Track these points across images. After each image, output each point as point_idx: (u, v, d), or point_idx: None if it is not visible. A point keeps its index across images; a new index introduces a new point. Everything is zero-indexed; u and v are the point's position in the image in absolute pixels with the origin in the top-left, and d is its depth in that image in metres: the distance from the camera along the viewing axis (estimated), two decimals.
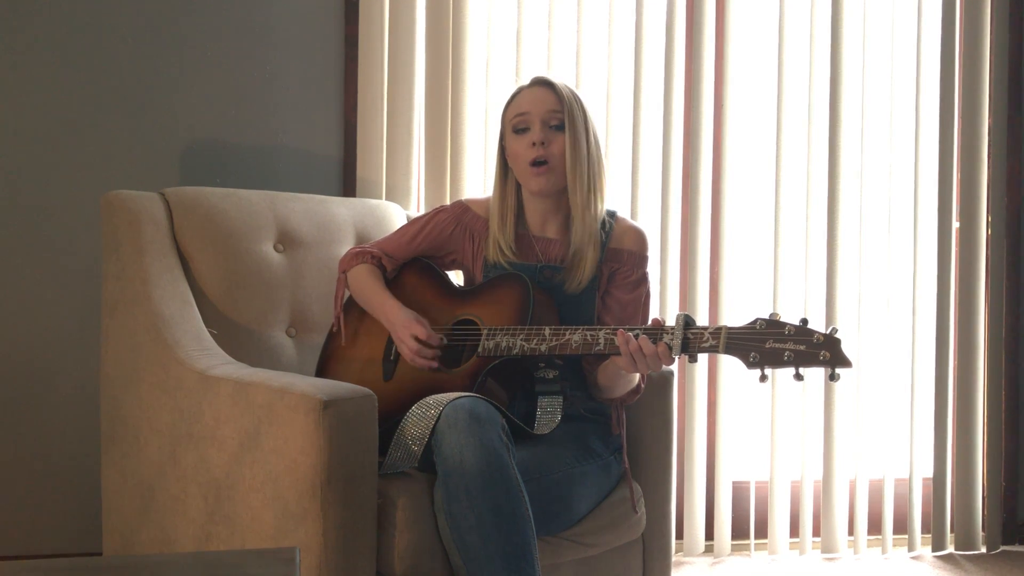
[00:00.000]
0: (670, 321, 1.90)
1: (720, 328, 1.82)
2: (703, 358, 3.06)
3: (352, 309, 2.31)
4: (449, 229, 2.29)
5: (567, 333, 1.99)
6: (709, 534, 3.09)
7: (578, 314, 2.16)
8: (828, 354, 1.73)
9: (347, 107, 2.88)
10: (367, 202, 2.72)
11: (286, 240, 2.50)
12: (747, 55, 3.08)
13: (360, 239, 2.59)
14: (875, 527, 3.17)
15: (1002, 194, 3.20)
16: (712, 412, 3.09)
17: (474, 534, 1.83)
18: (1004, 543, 3.22)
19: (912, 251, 3.14)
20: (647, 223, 2.95)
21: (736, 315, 3.03)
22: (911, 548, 3.14)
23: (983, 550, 3.18)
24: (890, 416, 3.13)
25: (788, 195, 3.08)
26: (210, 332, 2.28)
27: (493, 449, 1.85)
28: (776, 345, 1.77)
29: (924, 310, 3.14)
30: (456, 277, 2.40)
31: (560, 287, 2.18)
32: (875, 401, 3.11)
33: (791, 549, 3.12)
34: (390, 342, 2.20)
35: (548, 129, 2.15)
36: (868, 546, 3.14)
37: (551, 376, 2.09)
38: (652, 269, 2.29)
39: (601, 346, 1.95)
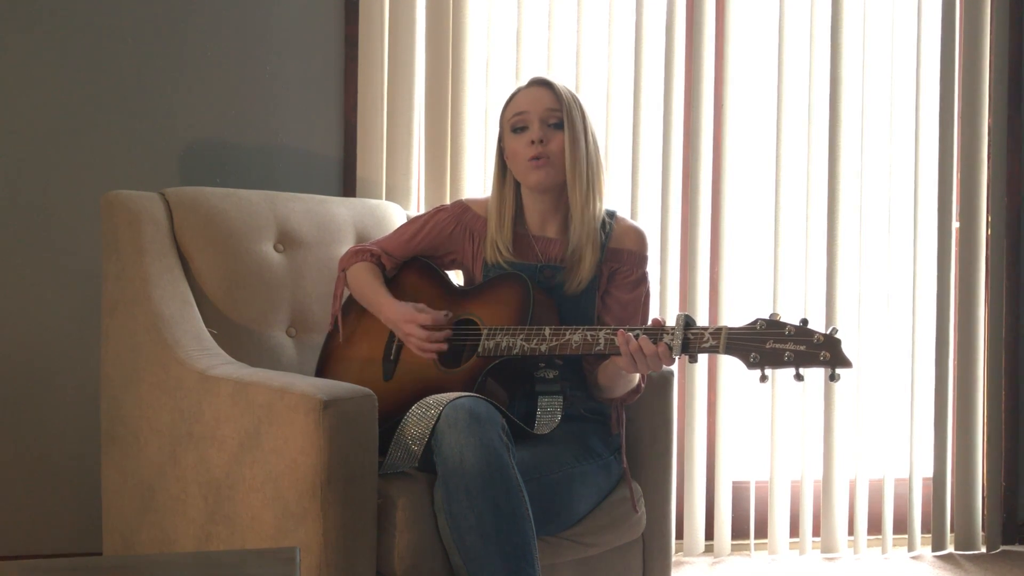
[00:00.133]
0: (670, 321, 1.90)
1: (720, 328, 1.82)
2: (703, 358, 3.06)
3: (352, 309, 2.31)
4: (449, 229, 2.29)
5: (567, 333, 1.99)
6: (709, 534, 3.09)
7: (578, 314, 2.16)
8: (828, 354, 1.73)
9: (347, 107, 2.88)
10: (367, 202, 2.72)
11: (286, 240, 2.50)
12: (747, 55, 3.08)
13: (360, 239, 2.59)
14: (875, 527, 3.17)
15: (1002, 194, 3.20)
16: (712, 412, 3.09)
17: (474, 534, 1.83)
18: (1004, 543, 3.22)
19: (912, 251, 3.14)
20: (647, 223, 2.95)
21: (736, 315, 3.03)
22: (911, 548, 3.14)
23: (983, 550, 3.18)
24: (890, 416, 3.13)
25: (788, 195, 3.08)
26: (210, 332, 2.28)
27: (493, 449, 1.85)
28: (776, 345, 1.77)
29: (924, 310, 3.14)
30: (456, 277, 2.40)
31: (560, 287, 2.18)
32: (875, 401, 3.11)
33: (791, 549, 3.12)
34: (390, 342, 2.20)
35: (547, 127, 2.16)
36: (868, 546, 3.14)
37: (551, 376, 2.09)
38: (652, 269, 2.29)
39: (601, 346, 1.95)
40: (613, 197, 2.96)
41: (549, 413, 2.07)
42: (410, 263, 2.32)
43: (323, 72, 2.88)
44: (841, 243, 3.07)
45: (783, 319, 1.79)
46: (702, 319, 3.03)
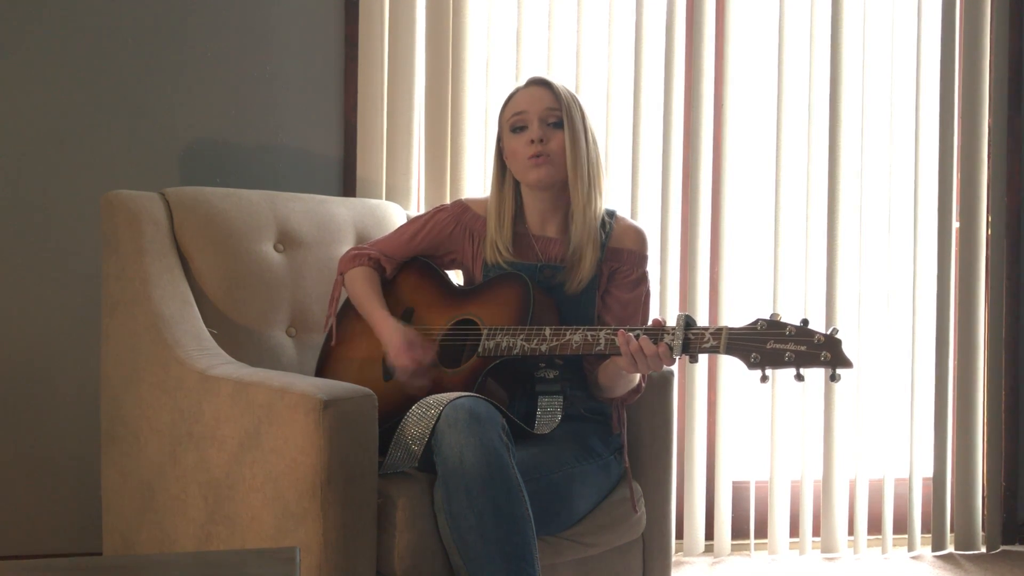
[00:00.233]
0: (671, 321, 1.90)
1: (721, 329, 1.82)
2: (703, 358, 3.06)
3: (351, 309, 2.31)
4: (449, 229, 2.29)
5: (567, 333, 1.99)
6: (709, 534, 3.09)
7: (578, 314, 2.16)
8: (829, 355, 1.73)
9: (347, 107, 2.88)
10: (367, 202, 2.72)
11: (286, 240, 2.50)
12: (747, 55, 3.08)
13: (360, 239, 2.59)
14: (875, 527, 3.17)
15: (1002, 194, 3.20)
16: (712, 412, 3.09)
17: (474, 534, 1.83)
18: (1004, 543, 3.22)
19: (912, 251, 3.14)
20: (647, 223, 2.95)
21: (736, 315, 3.03)
22: (911, 548, 3.14)
23: (983, 550, 3.18)
24: (890, 416, 3.13)
25: (788, 195, 3.08)
26: (210, 332, 2.28)
27: (493, 449, 1.85)
28: (777, 346, 1.77)
29: (924, 310, 3.14)
30: (456, 277, 2.40)
31: (560, 287, 2.18)
32: (875, 401, 3.11)
33: (791, 549, 3.12)
34: None
35: (546, 126, 2.16)
36: (868, 546, 3.14)
37: (551, 376, 2.09)
38: (652, 269, 2.29)
39: (602, 346, 1.94)
40: (613, 197, 2.96)
41: (549, 413, 2.07)
42: (410, 263, 2.32)
43: (323, 72, 2.88)
44: (841, 243, 3.07)
45: (784, 319, 1.79)
46: (702, 319, 3.03)
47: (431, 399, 1.95)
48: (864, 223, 3.10)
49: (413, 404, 1.97)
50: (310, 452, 1.86)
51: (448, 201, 2.82)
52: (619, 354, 1.92)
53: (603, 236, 2.20)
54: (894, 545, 3.16)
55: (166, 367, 2.19)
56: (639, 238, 2.23)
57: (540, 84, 2.20)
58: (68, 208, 2.74)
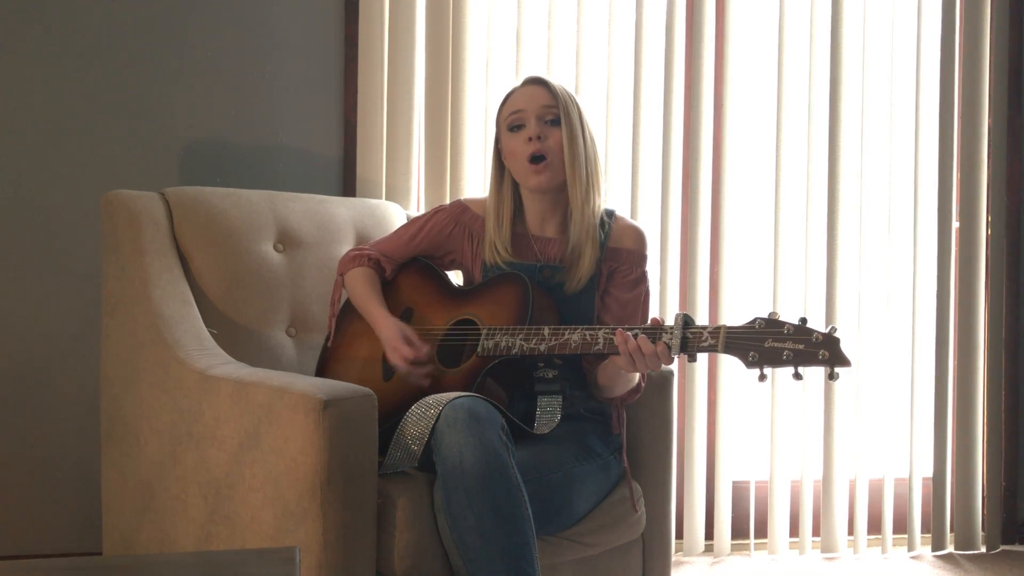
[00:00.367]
0: (669, 321, 1.90)
1: (719, 327, 1.82)
2: (703, 358, 3.06)
3: (352, 309, 2.31)
4: (448, 229, 2.29)
5: (566, 333, 1.99)
6: (709, 534, 3.09)
7: (578, 313, 2.16)
8: (827, 353, 1.73)
9: (347, 107, 2.88)
10: (367, 202, 2.72)
11: (286, 240, 2.50)
12: (747, 55, 3.08)
13: (360, 239, 2.59)
14: (875, 527, 3.17)
15: (1002, 194, 3.20)
16: (712, 412, 3.09)
17: (474, 534, 1.83)
18: (1004, 543, 3.22)
19: (912, 251, 3.13)
20: (647, 223, 2.95)
21: (736, 315, 3.03)
22: (911, 548, 3.14)
23: (983, 550, 3.18)
24: (890, 416, 3.13)
25: (788, 195, 3.08)
26: (210, 332, 2.28)
27: (493, 449, 1.85)
28: (775, 344, 1.76)
29: (924, 310, 3.14)
30: (456, 277, 2.40)
31: (559, 287, 2.18)
32: (875, 401, 3.11)
33: (791, 549, 3.12)
34: None
35: (544, 124, 2.16)
36: (868, 546, 3.14)
37: (550, 376, 2.09)
38: (652, 269, 2.29)
39: (600, 346, 1.94)
40: (613, 197, 2.97)
41: (549, 413, 2.07)
42: (410, 264, 2.32)
43: (323, 72, 2.88)
44: (841, 243, 3.07)
45: (782, 318, 1.79)
46: (702, 319, 3.03)
47: (431, 399, 1.95)
48: (864, 223, 3.10)
49: (413, 404, 1.97)
50: (310, 452, 1.86)
51: (448, 201, 2.82)
52: (618, 353, 1.92)
53: (602, 235, 2.20)
54: (894, 545, 3.16)
55: (166, 367, 2.19)
56: (638, 238, 2.23)
57: (537, 83, 2.20)
58: (68, 208, 2.74)
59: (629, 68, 3.00)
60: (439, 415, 1.89)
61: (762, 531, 3.11)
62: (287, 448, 1.90)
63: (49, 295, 2.74)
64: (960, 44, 3.15)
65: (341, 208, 2.62)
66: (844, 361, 1.72)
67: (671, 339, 1.86)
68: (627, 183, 3.00)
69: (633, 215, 2.97)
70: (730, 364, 3.02)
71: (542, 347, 2.00)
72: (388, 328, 2.14)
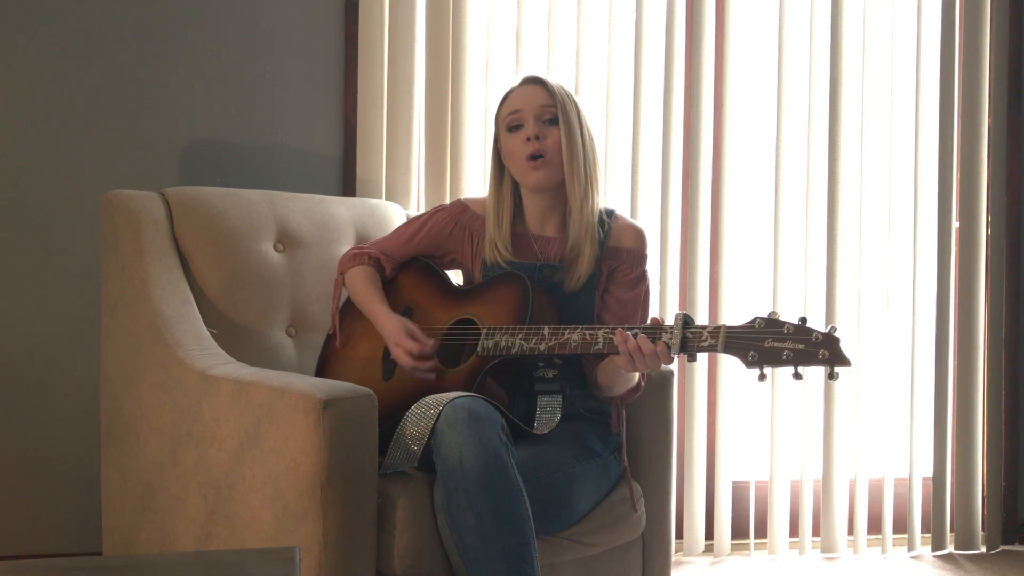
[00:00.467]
0: (669, 320, 1.90)
1: (719, 327, 1.82)
2: (703, 357, 3.06)
3: (352, 309, 2.31)
4: (448, 229, 2.29)
5: (566, 332, 1.99)
6: (709, 534, 3.09)
7: (578, 313, 2.16)
8: (827, 353, 1.73)
9: (347, 107, 2.88)
10: (367, 202, 2.72)
11: (286, 240, 2.50)
12: (747, 55, 3.08)
13: (360, 239, 2.59)
14: (875, 527, 3.17)
15: (1002, 194, 3.20)
16: (712, 412, 3.09)
17: (474, 534, 1.83)
18: (1004, 543, 3.22)
19: (912, 251, 3.14)
20: (647, 223, 2.95)
21: (736, 315, 3.03)
22: (911, 548, 3.14)
23: (983, 550, 3.18)
24: (890, 416, 3.13)
25: (788, 195, 3.08)
26: (210, 332, 2.28)
27: (492, 449, 1.85)
28: (775, 344, 1.76)
29: (924, 310, 3.14)
30: (456, 277, 2.40)
31: (559, 286, 2.18)
32: (875, 401, 3.11)
33: (791, 549, 3.12)
34: None
35: (542, 124, 2.16)
36: (868, 546, 3.14)
37: (550, 376, 2.09)
38: (652, 269, 2.29)
39: (600, 345, 1.94)
40: (613, 197, 2.97)
41: (548, 413, 2.07)
42: (410, 263, 2.32)
43: (323, 72, 2.88)
44: (841, 243, 3.07)
45: (782, 318, 1.79)
46: (702, 319, 3.03)
47: (430, 399, 1.95)
48: (864, 223, 3.10)
49: (413, 404, 1.97)
50: (310, 452, 1.86)
51: (448, 201, 2.82)
52: (617, 353, 1.92)
53: (602, 234, 2.20)
54: (894, 545, 3.16)
55: (166, 367, 2.19)
56: (638, 237, 2.23)
57: (534, 82, 2.20)
58: (68, 208, 2.74)
59: (629, 68, 3.00)
60: (439, 415, 1.89)
61: (762, 531, 3.11)
62: (287, 448, 1.90)
63: (49, 295, 2.74)
64: (960, 44, 3.15)
65: (341, 208, 2.62)
66: (844, 361, 1.72)
67: (671, 339, 1.86)
68: (627, 183, 3.00)
69: (633, 215, 2.97)
70: (730, 364, 3.02)
71: (542, 347, 2.00)
72: (391, 324, 2.14)
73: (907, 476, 3.15)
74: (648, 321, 1.99)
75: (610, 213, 2.24)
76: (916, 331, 3.13)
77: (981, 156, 3.16)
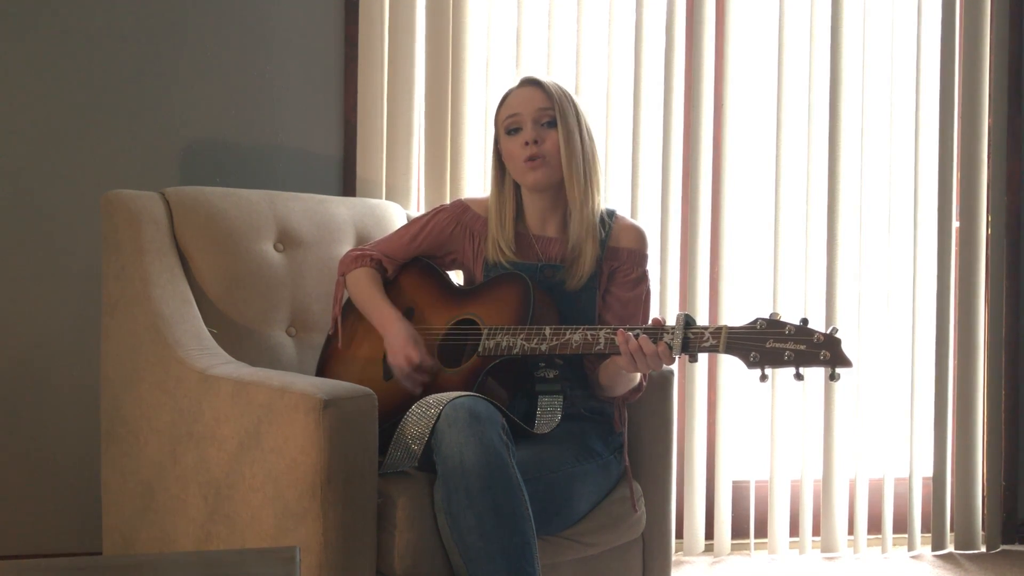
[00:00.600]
0: (670, 321, 1.90)
1: (720, 328, 1.82)
2: (703, 358, 3.06)
3: (352, 309, 2.31)
4: (449, 229, 2.29)
5: (567, 333, 1.99)
6: (709, 533, 3.09)
7: (579, 313, 2.16)
8: (828, 354, 1.73)
9: (347, 107, 2.88)
10: (367, 202, 2.72)
11: (286, 240, 2.50)
12: (747, 55, 3.08)
13: (360, 239, 2.59)
14: (875, 526, 3.17)
15: (1002, 194, 3.20)
16: (712, 412, 3.09)
17: (474, 533, 1.83)
18: (1004, 542, 3.22)
19: (912, 251, 3.13)
20: (647, 223, 2.95)
21: (736, 315, 3.03)
22: (911, 547, 3.14)
23: (983, 549, 3.18)
24: (890, 416, 3.13)
25: (788, 195, 3.08)
26: (210, 332, 2.28)
27: (493, 448, 1.85)
28: (776, 345, 1.77)
29: (924, 310, 3.14)
30: (456, 277, 2.40)
31: (560, 286, 2.18)
32: (875, 401, 3.11)
33: (791, 548, 3.12)
34: None
35: (540, 127, 2.16)
36: (868, 545, 3.14)
37: (551, 376, 2.09)
38: (652, 269, 2.29)
39: (601, 346, 1.95)
40: (613, 197, 2.97)
41: (549, 413, 2.07)
42: (411, 264, 2.32)
43: (323, 72, 2.88)
44: (841, 243, 3.07)
45: (783, 319, 1.79)
46: (702, 319, 3.03)
47: (431, 398, 1.95)
48: (864, 223, 3.10)
49: (413, 404, 1.97)
50: (310, 452, 1.86)
51: (448, 201, 2.82)
52: (619, 353, 1.92)
53: (603, 234, 2.20)
54: (894, 545, 3.16)
55: (166, 367, 2.19)
56: (639, 237, 2.23)
57: (532, 84, 2.19)
58: (68, 208, 2.74)
59: (629, 68, 3.00)
60: (439, 415, 1.89)
61: (762, 531, 3.11)
62: (287, 448, 1.90)
63: (49, 295, 2.74)
64: (960, 44, 3.15)
65: (341, 208, 2.62)
66: (845, 362, 1.73)
67: (672, 339, 1.86)
68: (627, 183, 3.00)
69: (633, 215, 2.97)
70: (730, 364, 3.02)
71: (543, 347, 2.00)
72: (399, 329, 2.14)
73: (907, 476, 3.15)
74: (650, 321, 1.99)
75: (611, 213, 2.24)
76: (916, 331, 3.13)
77: (981, 156, 3.17)
